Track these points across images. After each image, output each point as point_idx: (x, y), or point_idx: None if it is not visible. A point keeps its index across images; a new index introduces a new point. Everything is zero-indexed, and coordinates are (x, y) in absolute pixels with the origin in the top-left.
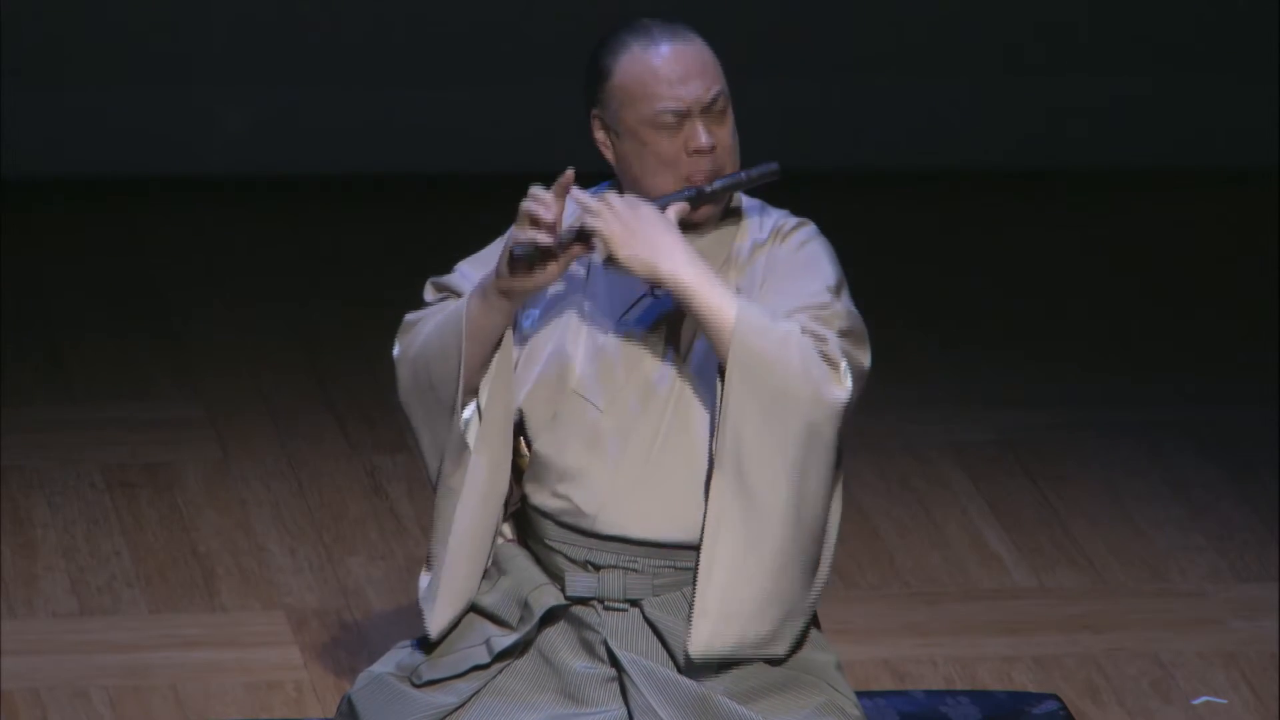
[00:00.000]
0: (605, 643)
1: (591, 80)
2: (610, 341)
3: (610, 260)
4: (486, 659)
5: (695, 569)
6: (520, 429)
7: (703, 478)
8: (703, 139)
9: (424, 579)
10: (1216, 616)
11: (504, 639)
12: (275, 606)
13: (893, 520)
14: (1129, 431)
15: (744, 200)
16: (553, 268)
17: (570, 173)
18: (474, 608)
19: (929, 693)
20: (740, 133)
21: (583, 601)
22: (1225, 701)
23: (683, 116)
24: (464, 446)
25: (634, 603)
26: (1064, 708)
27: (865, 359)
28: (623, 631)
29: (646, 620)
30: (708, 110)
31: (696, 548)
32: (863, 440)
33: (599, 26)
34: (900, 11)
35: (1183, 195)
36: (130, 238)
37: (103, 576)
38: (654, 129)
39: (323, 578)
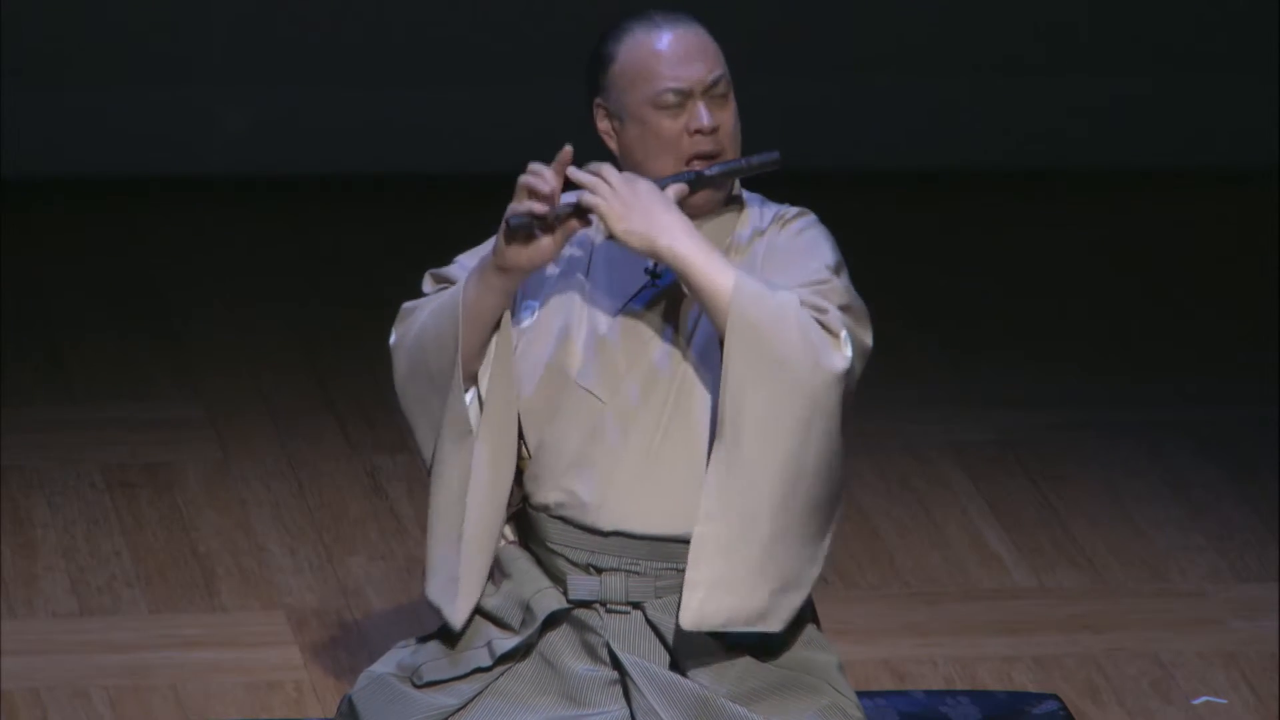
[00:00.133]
0: (607, 645)
1: (595, 68)
2: (612, 332)
3: (609, 236)
4: (489, 661)
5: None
6: (519, 428)
7: (702, 471)
8: (704, 119)
9: (432, 574)
10: (1216, 616)
11: (506, 642)
12: (275, 606)
13: (893, 520)
14: (1129, 431)
15: (745, 193)
16: (548, 242)
17: (569, 149)
18: (476, 609)
19: (929, 693)
20: (740, 132)
21: (585, 604)
22: (1225, 701)
23: (685, 97)
24: (466, 430)
25: (636, 605)
26: (1064, 708)
27: (867, 337)
28: (625, 634)
29: (649, 623)
30: (709, 92)
31: None
32: (863, 440)
33: (599, 26)
34: (900, 11)
35: (1183, 195)
36: (130, 238)
37: (103, 576)
38: (656, 109)
39: (323, 578)
